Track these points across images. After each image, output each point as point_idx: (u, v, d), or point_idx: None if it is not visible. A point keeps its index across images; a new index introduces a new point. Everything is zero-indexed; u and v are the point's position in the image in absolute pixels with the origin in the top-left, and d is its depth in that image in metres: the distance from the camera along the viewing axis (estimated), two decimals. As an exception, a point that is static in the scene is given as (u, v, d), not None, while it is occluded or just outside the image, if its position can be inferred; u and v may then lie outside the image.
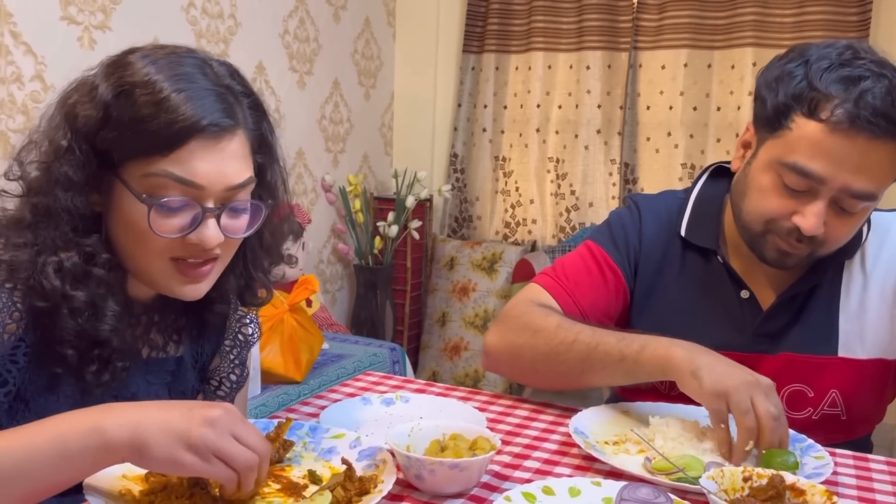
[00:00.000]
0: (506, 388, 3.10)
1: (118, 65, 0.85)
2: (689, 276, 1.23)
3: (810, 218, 1.05)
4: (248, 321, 1.11)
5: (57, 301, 0.83)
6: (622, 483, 0.85)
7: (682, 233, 1.23)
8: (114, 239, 0.88)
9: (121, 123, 0.82)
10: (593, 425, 1.07)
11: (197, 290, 0.90)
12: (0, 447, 0.72)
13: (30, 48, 2.04)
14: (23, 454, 0.72)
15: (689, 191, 1.28)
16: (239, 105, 0.88)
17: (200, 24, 2.56)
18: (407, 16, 3.60)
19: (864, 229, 1.18)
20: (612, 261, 1.25)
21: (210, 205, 0.85)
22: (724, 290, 1.21)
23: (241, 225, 0.90)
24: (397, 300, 3.41)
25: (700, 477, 0.85)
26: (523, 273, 3.12)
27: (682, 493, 0.86)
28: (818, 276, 1.17)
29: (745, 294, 1.19)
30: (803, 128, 1.03)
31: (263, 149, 0.94)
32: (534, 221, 3.42)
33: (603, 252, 1.26)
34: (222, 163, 0.84)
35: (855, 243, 1.16)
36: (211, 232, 0.85)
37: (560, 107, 3.32)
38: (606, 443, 1.03)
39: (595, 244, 1.27)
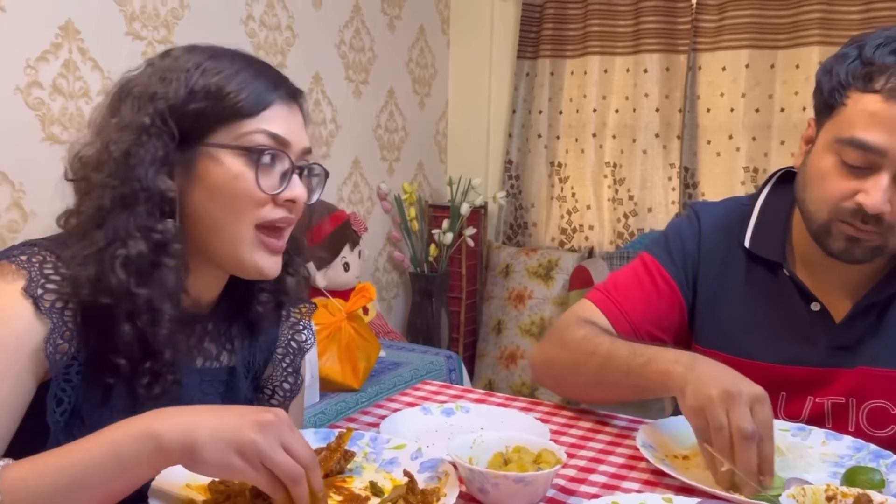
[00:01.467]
0: (561, 398, 3.05)
1: (171, 54, 0.91)
2: (755, 288, 1.18)
3: (874, 193, 0.99)
4: (301, 328, 1.10)
5: (120, 298, 0.83)
6: (695, 500, 0.82)
7: (747, 245, 1.19)
8: (193, 221, 0.89)
9: (209, 93, 0.87)
10: (661, 438, 1.03)
11: (277, 265, 0.93)
12: (57, 463, 0.73)
13: (97, 64, 2.10)
14: (80, 467, 0.73)
15: (754, 198, 1.23)
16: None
17: (259, 36, 2.60)
18: (461, 23, 3.60)
19: None
20: (666, 273, 1.21)
21: (294, 161, 0.91)
22: (792, 303, 1.15)
23: (313, 186, 0.96)
24: (452, 308, 3.39)
25: (780, 495, 0.81)
26: (580, 280, 3.07)
27: (759, 512, 0.82)
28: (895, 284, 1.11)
29: (815, 307, 1.14)
30: (859, 101, 1.01)
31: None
32: (591, 227, 3.37)
33: (657, 264, 1.23)
34: (297, 125, 0.92)
35: None
36: (299, 188, 0.91)
37: (617, 111, 3.26)
38: (676, 457, 1.00)
39: (650, 256, 1.24)
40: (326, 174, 0.98)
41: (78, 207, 0.88)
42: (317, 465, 0.77)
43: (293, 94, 0.93)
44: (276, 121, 0.89)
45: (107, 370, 0.86)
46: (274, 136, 0.88)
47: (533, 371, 1.26)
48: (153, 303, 0.85)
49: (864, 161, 1.01)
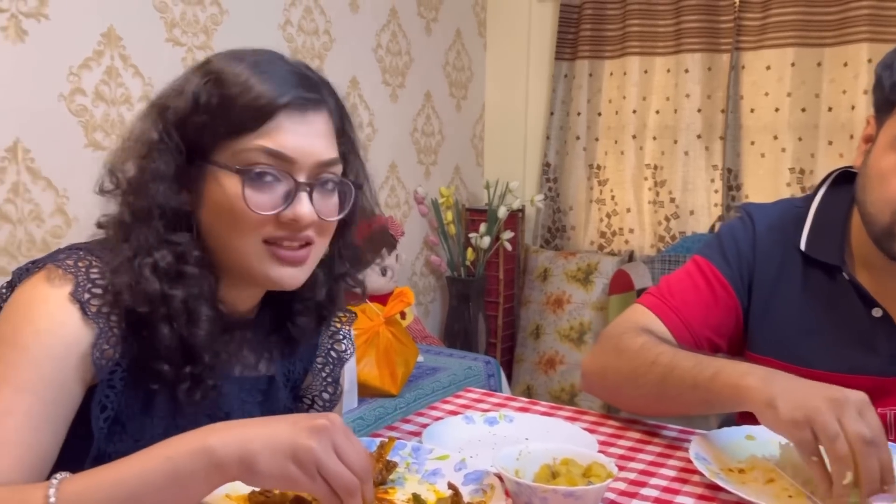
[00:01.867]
0: (602, 405, 3.00)
1: (202, 64, 0.88)
2: (812, 293, 1.13)
3: None
4: (341, 337, 1.09)
5: (157, 303, 0.83)
6: (754, 517, 0.78)
7: (803, 247, 1.14)
8: (206, 234, 0.88)
9: (209, 107, 0.83)
10: (715, 451, 0.99)
11: (296, 277, 0.88)
12: (112, 477, 0.72)
13: (138, 70, 2.12)
14: (136, 482, 0.71)
15: (809, 199, 1.18)
16: (319, 85, 0.89)
17: (297, 41, 2.60)
18: (498, 26, 3.57)
19: None
20: (722, 276, 1.17)
21: (302, 179, 0.85)
22: (852, 308, 1.10)
23: (332, 206, 0.89)
24: (490, 312, 3.36)
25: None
26: (620, 284, 3.01)
27: (823, 531, 0.78)
28: None
29: (877, 312, 1.09)
30: None
31: (345, 139, 0.93)
32: (631, 231, 3.31)
33: (712, 267, 1.18)
34: (309, 136, 0.85)
35: None
36: (304, 207, 0.84)
37: (657, 112, 3.20)
38: (731, 470, 0.95)
39: (703, 259, 1.19)
40: (355, 186, 0.91)
41: (111, 218, 0.88)
42: (370, 476, 0.75)
43: (308, 101, 0.85)
44: (280, 135, 0.83)
45: (149, 376, 0.86)
46: (273, 153, 0.83)
47: (584, 380, 1.20)
48: (188, 303, 0.85)
49: None
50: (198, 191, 0.86)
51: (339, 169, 0.89)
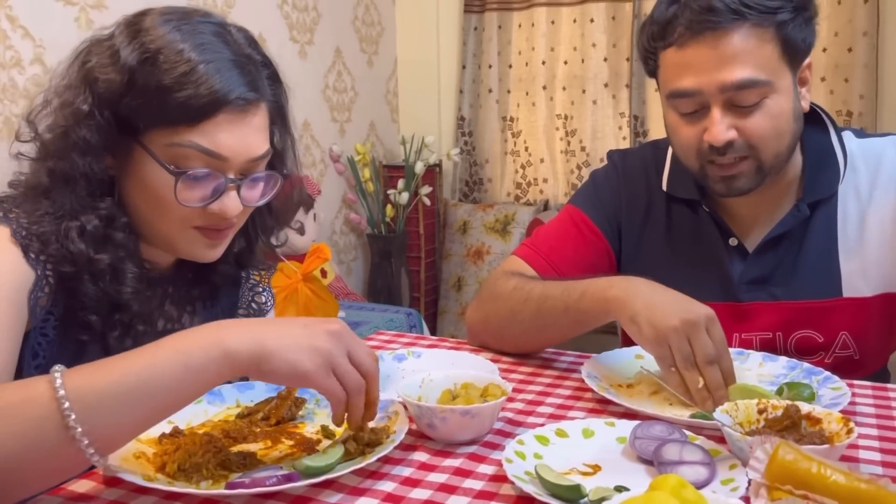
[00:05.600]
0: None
1: (138, 28, 0.85)
2: (676, 228, 1.22)
3: (712, 128, 1.05)
4: (261, 290, 1.12)
5: (82, 265, 0.84)
6: (636, 422, 0.85)
7: (664, 187, 1.22)
8: (129, 203, 0.89)
9: (146, 91, 0.82)
10: (606, 370, 1.06)
11: (215, 251, 0.93)
12: (121, 368, 0.71)
13: (27, 31, 2.03)
14: (147, 373, 0.70)
15: (668, 141, 1.24)
16: (260, 77, 0.89)
17: (197, -2, 2.53)
18: (406, -21, 3.55)
19: (840, 156, 1.14)
20: (591, 222, 1.24)
21: (231, 175, 0.87)
22: (712, 240, 1.18)
23: (256, 194, 0.92)
24: (412, 267, 3.41)
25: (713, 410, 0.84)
26: (537, 233, 3.10)
27: (697, 430, 0.86)
28: (800, 215, 1.13)
29: (733, 241, 1.17)
30: (664, 58, 1.08)
31: (279, 119, 0.95)
32: (545, 180, 3.39)
33: (581, 214, 1.25)
34: (246, 136, 0.86)
35: (832, 173, 1.13)
36: (232, 202, 0.87)
37: (566, 62, 3.27)
38: (620, 386, 1.03)
39: (574, 207, 1.27)
40: (283, 177, 0.93)
41: (27, 177, 0.88)
42: (377, 376, 0.80)
43: (251, 99, 0.86)
44: (217, 133, 0.83)
45: (79, 327, 0.87)
46: (207, 152, 0.83)
47: (470, 333, 1.25)
48: (115, 264, 0.86)
49: (693, 105, 1.07)
50: (123, 162, 0.86)
51: (268, 159, 0.91)
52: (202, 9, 0.92)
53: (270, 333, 0.74)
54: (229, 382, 0.96)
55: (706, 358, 0.92)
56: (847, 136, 1.17)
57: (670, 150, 1.23)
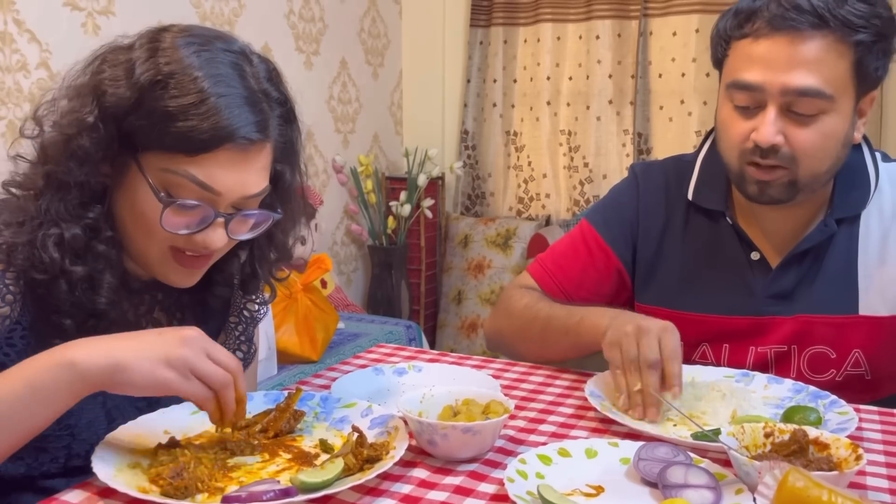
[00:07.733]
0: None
1: (157, 46, 0.83)
2: (695, 240, 1.21)
3: (762, 127, 1.04)
4: (254, 297, 1.10)
5: (55, 274, 0.83)
6: (640, 443, 0.83)
7: (690, 196, 1.22)
8: (116, 215, 0.88)
9: (152, 113, 0.81)
10: (610, 388, 1.05)
11: (189, 279, 0.91)
12: None
13: (34, 35, 2.03)
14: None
15: (696, 154, 1.26)
16: (271, 116, 0.87)
17: (205, 6, 2.54)
18: (413, -8, 3.56)
19: (873, 176, 1.14)
20: (601, 240, 1.26)
21: (222, 210, 0.85)
22: (732, 252, 1.18)
23: (245, 228, 0.90)
24: (413, 280, 3.39)
25: (720, 433, 0.83)
26: (538, 248, 3.09)
27: (702, 452, 0.84)
28: (827, 231, 1.13)
29: (755, 255, 1.17)
30: (736, 48, 1.07)
31: (286, 157, 0.93)
32: (547, 196, 3.39)
33: (593, 231, 1.27)
34: (245, 175, 0.85)
35: (863, 193, 1.13)
36: (217, 236, 0.86)
37: (570, 78, 3.27)
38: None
39: (587, 224, 1.29)
40: (275, 216, 0.90)
41: (22, 179, 0.87)
42: (241, 372, 0.81)
43: (255, 139, 0.83)
44: (214, 168, 0.82)
45: (52, 332, 0.85)
46: (201, 185, 0.82)
47: (487, 341, 1.36)
48: (92, 274, 0.85)
49: (751, 100, 1.06)
50: (118, 173, 0.85)
51: (263, 195, 0.89)
52: (226, 33, 0.89)
53: (122, 346, 0.77)
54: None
55: (646, 361, 0.96)
56: (877, 156, 1.17)
57: (699, 160, 1.24)
